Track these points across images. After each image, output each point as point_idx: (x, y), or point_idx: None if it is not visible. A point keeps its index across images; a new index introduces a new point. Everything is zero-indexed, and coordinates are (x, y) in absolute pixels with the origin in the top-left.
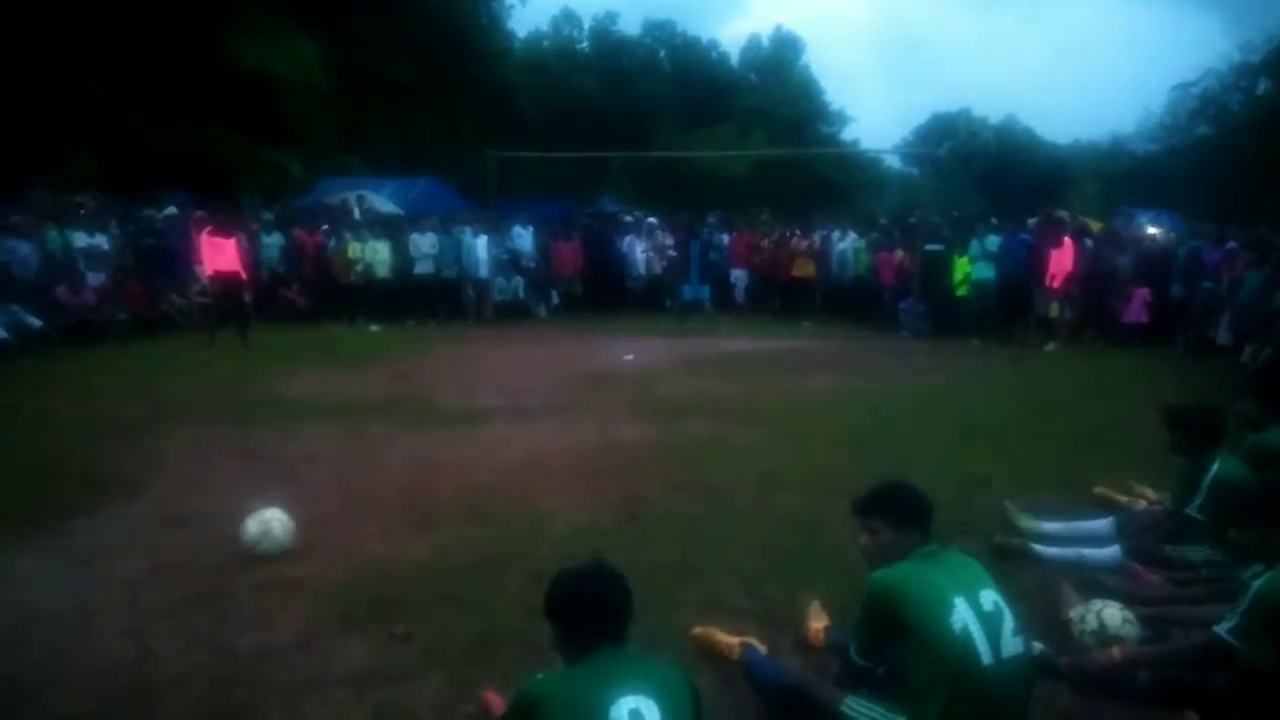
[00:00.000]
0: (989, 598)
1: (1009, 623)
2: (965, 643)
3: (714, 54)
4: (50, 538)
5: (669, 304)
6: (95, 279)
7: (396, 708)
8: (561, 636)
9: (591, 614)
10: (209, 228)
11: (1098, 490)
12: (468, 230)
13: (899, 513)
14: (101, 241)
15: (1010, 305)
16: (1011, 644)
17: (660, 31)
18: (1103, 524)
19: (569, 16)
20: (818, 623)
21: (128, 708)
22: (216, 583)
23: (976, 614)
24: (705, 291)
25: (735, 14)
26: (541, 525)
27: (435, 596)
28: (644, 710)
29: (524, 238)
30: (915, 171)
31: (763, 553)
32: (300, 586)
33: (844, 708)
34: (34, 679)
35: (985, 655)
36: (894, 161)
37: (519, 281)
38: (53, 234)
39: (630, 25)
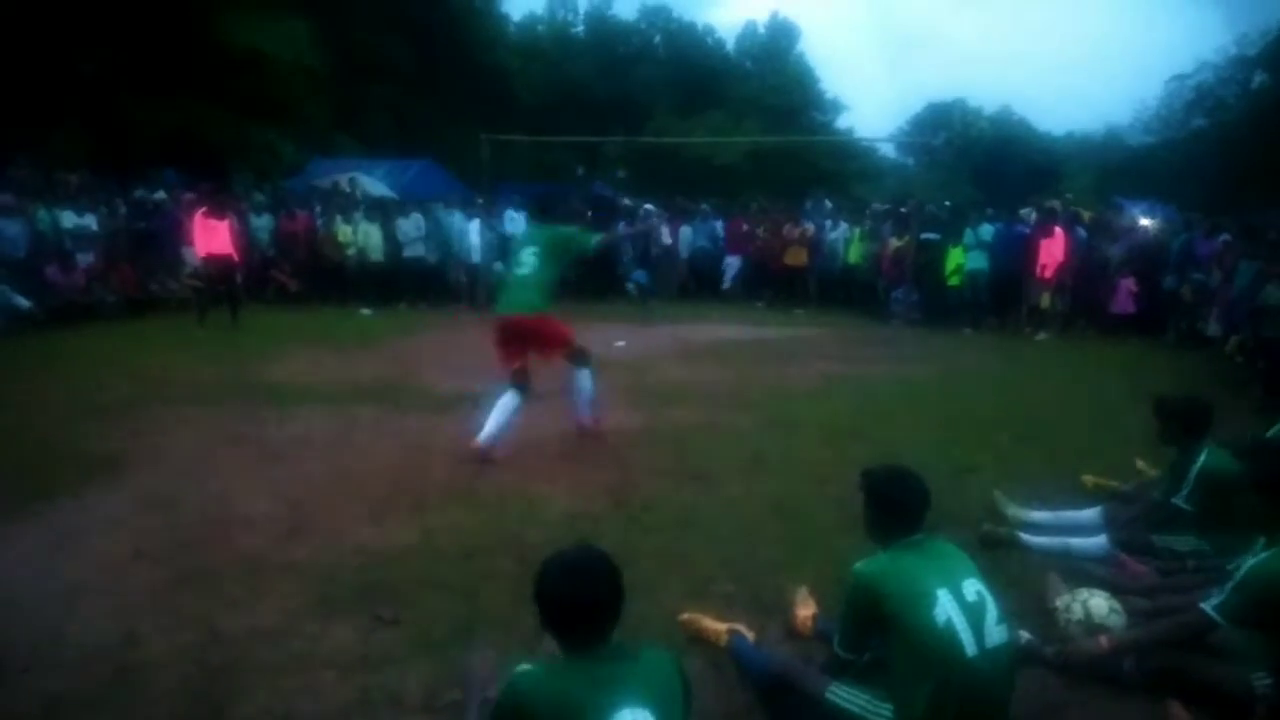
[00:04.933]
0: (972, 588)
1: (992, 612)
2: (949, 635)
3: (709, 40)
4: (36, 519)
5: (630, 289)
6: (84, 260)
7: (383, 691)
8: (550, 629)
9: (582, 612)
10: (203, 209)
11: (1087, 479)
12: (458, 214)
13: (878, 501)
14: (90, 222)
15: (1003, 295)
16: (995, 633)
17: (656, 17)
18: (1090, 514)
19: (564, 0)
20: (805, 610)
21: (114, 689)
22: (202, 565)
23: (959, 605)
24: (644, 276)
25: (730, 0)
26: (531, 510)
27: (423, 581)
28: None
29: (517, 222)
30: (910, 161)
31: (751, 540)
32: (287, 569)
33: (829, 694)
34: (19, 661)
35: (969, 647)
36: (888, 151)
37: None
38: (42, 213)
39: (626, 10)
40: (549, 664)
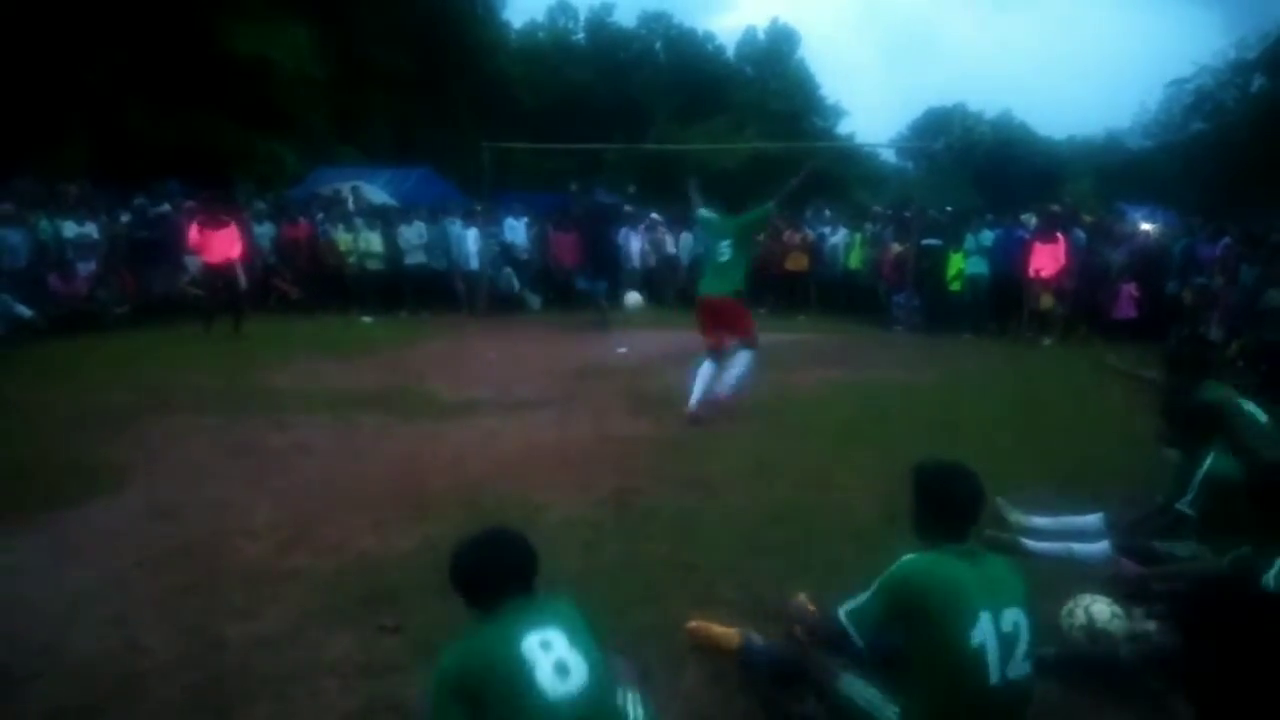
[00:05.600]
0: (1011, 617)
1: (1023, 645)
2: (978, 660)
3: (710, 46)
4: (39, 528)
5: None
6: (86, 268)
7: (386, 699)
8: (471, 602)
9: (496, 579)
10: (205, 215)
11: None
12: (458, 222)
13: (927, 500)
14: (91, 230)
15: (1004, 300)
16: (1020, 666)
17: (656, 23)
18: (1092, 519)
19: (564, 7)
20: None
21: (117, 699)
22: (205, 573)
23: (996, 633)
24: (602, 286)
25: (731, 6)
26: (533, 518)
27: (426, 588)
28: (552, 639)
29: (516, 229)
30: (910, 166)
31: (754, 546)
32: (290, 578)
33: (841, 684)
34: (22, 670)
35: (993, 675)
36: (889, 156)
37: (510, 273)
38: (44, 223)
39: (626, 17)
40: (467, 635)
